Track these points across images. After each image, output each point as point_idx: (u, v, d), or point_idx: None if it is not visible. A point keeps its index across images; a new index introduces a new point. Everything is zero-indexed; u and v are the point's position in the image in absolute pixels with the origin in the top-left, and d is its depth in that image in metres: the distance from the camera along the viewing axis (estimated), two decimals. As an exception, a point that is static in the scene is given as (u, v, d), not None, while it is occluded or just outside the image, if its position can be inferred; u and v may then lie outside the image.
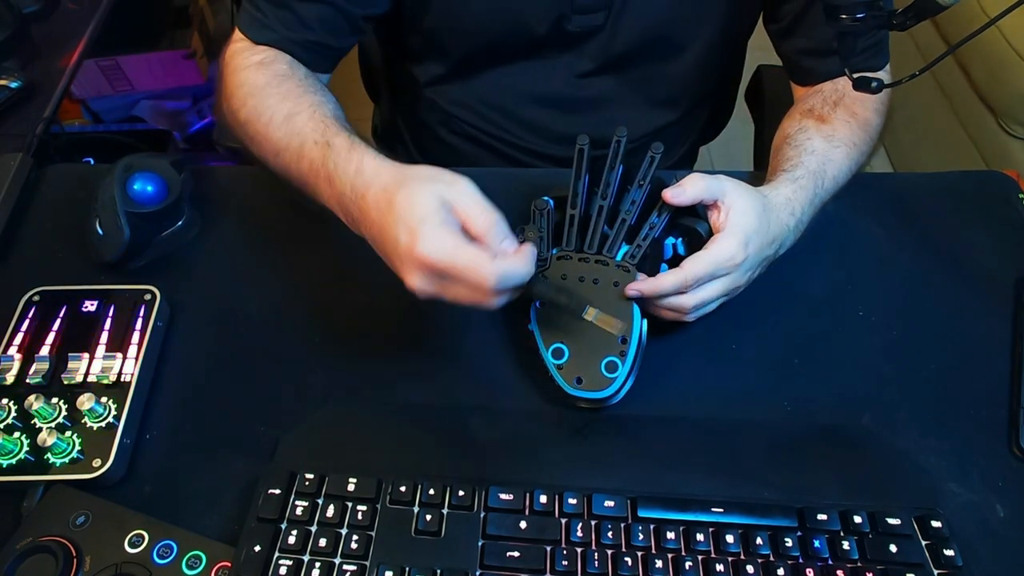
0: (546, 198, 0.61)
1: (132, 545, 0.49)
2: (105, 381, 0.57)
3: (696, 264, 0.55)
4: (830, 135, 0.67)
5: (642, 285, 0.57)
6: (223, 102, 0.67)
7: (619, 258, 0.59)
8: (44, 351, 0.59)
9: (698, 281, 0.56)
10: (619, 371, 0.55)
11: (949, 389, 0.60)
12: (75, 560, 0.48)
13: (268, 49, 0.67)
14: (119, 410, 0.55)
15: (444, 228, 0.47)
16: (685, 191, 0.57)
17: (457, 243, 0.47)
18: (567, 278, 0.58)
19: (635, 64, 0.79)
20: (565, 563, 0.49)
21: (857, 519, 0.51)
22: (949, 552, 0.50)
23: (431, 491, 0.51)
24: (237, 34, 0.69)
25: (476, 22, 0.74)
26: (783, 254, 0.62)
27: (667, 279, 0.56)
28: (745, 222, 0.56)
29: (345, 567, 0.48)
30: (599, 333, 0.56)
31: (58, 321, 0.61)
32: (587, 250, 0.60)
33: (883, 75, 0.74)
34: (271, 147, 0.60)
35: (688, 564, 0.49)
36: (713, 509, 0.52)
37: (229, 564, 0.49)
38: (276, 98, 0.61)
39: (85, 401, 0.54)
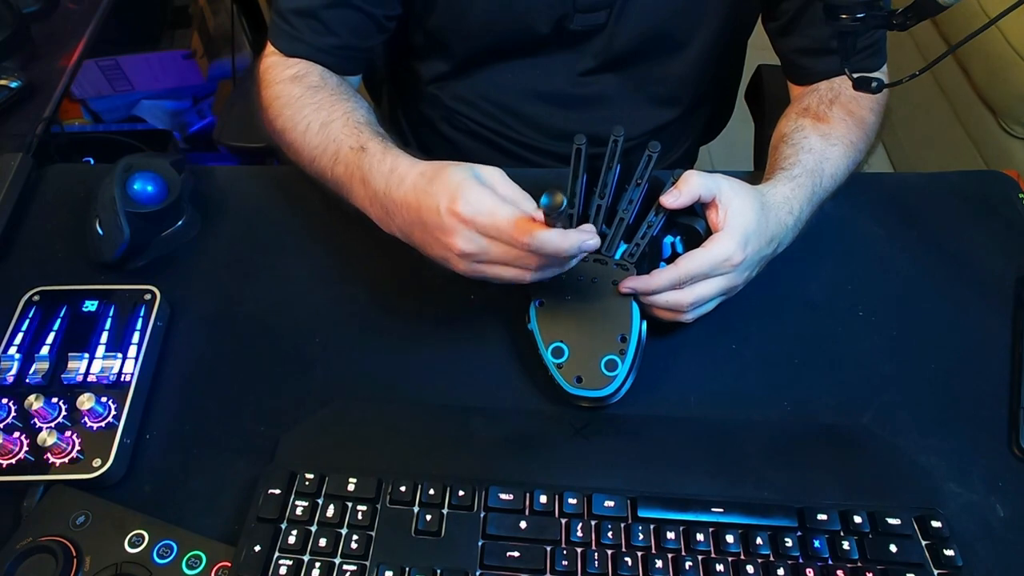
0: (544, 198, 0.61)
1: (132, 545, 0.49)
2: (105, 381, 0.57)
3: (692, 261, 0.55)
4: (827, 133, 0.67)
5: (636, 282, 0.57)
6: (260, 112, 0.71)
7: (617, 257, 0.59)
8: (44, 351, 0.59)
9: (693, 279, 0.55)
10: (619, 370, 0.55)
11: (949, 389, 0.60)
12: (75, 560, 0.48)
13: (300, 62, 0.70)
14: (119, 410, 0.55)
15: (482, 189, 0.51)
16: (681, 194, 0.57)
17: (496, 201, 0.50)
18: (566, 277, 0.58)
19: (636, 62, 0.79)
20: (565, 563, 0.49)
21: (857, 519, 0.51)
22: (949, 552, 0.50)
23: (431, 491, 0.51)
24: (269, 48, 0.72)
25: (480, 22, 0.74)
26: (783, 254, 0.62)
27: (662, 276, 0.56)
28: (744, 222, 0.56)
29: (345, 567, 0.48)
30: (599, 332, 0.56)
31: (58, 321, 0.61)
32: None
33: (880, 75, 0.75)
34: (307, 154, 0.64)
35: (688, 564, 0.49)
36: (713, 509, 0.52)
37: (229, 564, 0.49)
38: (311, 108, 0.65)
39: (85, 401, 0.54)
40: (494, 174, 0.53)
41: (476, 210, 0.50)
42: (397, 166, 0.56)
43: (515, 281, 0.53)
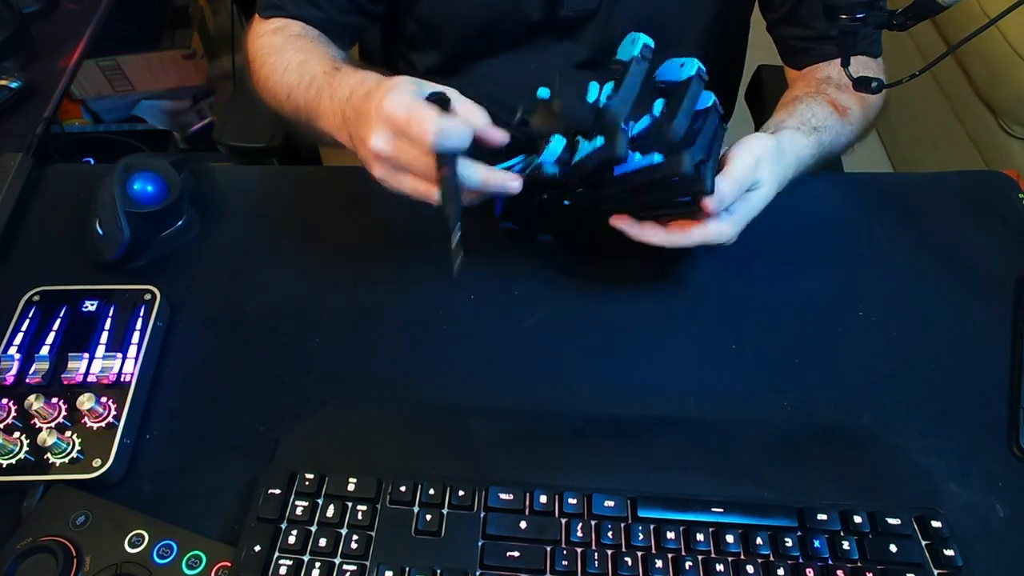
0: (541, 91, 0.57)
1: (132, 545, 0.49)
2: (105, 381, 0.57)
3: (737, 168, 0.55)
4: (819, 97, 0.69)
5: (710, 202, 0.53)
6: (250, 70, 0.74)
7: (633, 130, 0.52)
8: (44, 351, 0.59)
9: (740, 185, 0.55)
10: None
11: (949, 389, 0.60)
12: (75, 560, 0.48)
13: (282, 19, 0.73)
14: (119, 410, 0.55)
15: (410, 94, 0.50)
16: (725, 197, 0.54)
17: (415, 101, 0.50)
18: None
19: None
20: (565, 563, 0.49)
21: (857, 519, 0.51)
22: (949, 552, 0.50)
23: (431, 491, 0.51)
24: (256, 19, 0.75)
25: (469, 6, 0.74)
26: (783, 253, 0.63)
27: (725, 187, 0.54)
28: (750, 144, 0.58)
29: (345, 567, 0.48)
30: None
31: (58, 321, 0.61)
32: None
33: (877, 65, 0.75)
34: (285, 89, 0.66)
35: (688, 564, 0.49)
36: (713, 509, 0.52)
37: (229, 564, 0.49)
38: (292, 51, 0.68)
39: (85, 401, 0.54)
40: (448, 91, 0.52)
41: (392, 107, 0.50)
42: (367, 77, 0.57)
43: (421, 196, 0.52)
